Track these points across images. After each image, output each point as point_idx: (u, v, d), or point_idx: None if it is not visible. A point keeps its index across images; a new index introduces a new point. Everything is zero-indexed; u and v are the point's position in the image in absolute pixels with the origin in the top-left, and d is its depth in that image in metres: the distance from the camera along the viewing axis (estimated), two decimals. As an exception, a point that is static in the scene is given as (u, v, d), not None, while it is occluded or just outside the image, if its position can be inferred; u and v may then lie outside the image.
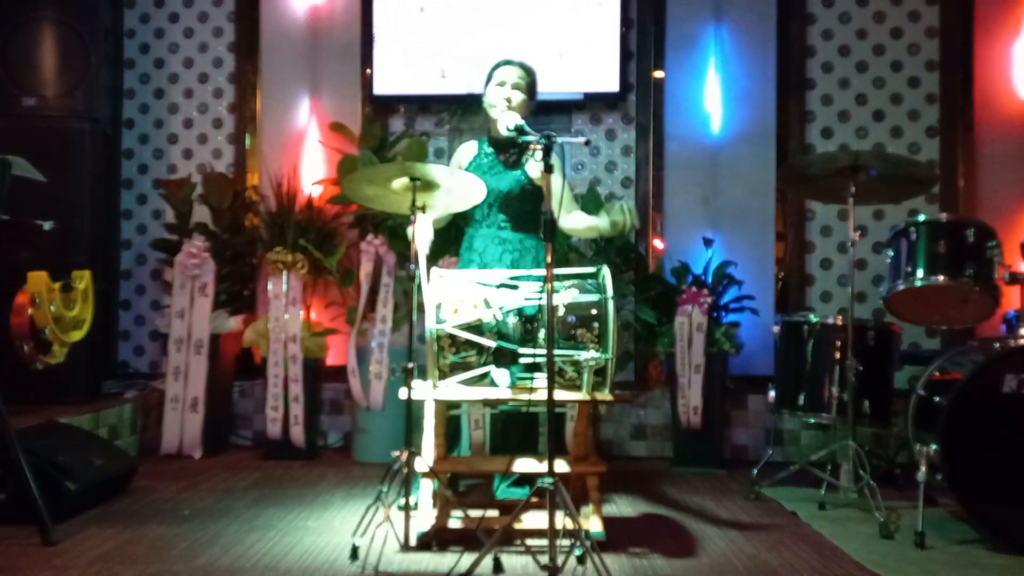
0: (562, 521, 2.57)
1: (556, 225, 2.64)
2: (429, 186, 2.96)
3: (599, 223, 3.31)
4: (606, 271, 3.02)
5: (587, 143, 2.99)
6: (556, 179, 3.41)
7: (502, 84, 3.43)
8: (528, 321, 2.98)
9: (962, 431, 3.03)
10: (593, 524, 2.95)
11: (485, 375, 2.97)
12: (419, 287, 2.99)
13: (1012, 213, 4.65)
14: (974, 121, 4.74)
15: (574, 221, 3.45)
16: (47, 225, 3.18)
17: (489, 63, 3.54)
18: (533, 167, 3.39)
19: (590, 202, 4.54)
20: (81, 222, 4.37)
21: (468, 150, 3.57)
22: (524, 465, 3.01)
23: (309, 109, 4.99)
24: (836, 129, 4.85)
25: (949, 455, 3.02)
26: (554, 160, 3.27)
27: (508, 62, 3.49)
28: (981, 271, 3.38)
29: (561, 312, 2.95)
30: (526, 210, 3.44)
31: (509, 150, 3.49)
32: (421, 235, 3.03)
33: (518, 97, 3.42)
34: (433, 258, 3.47)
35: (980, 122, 4.74)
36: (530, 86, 3.47)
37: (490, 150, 3.51)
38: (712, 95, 4.84)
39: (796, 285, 4.84)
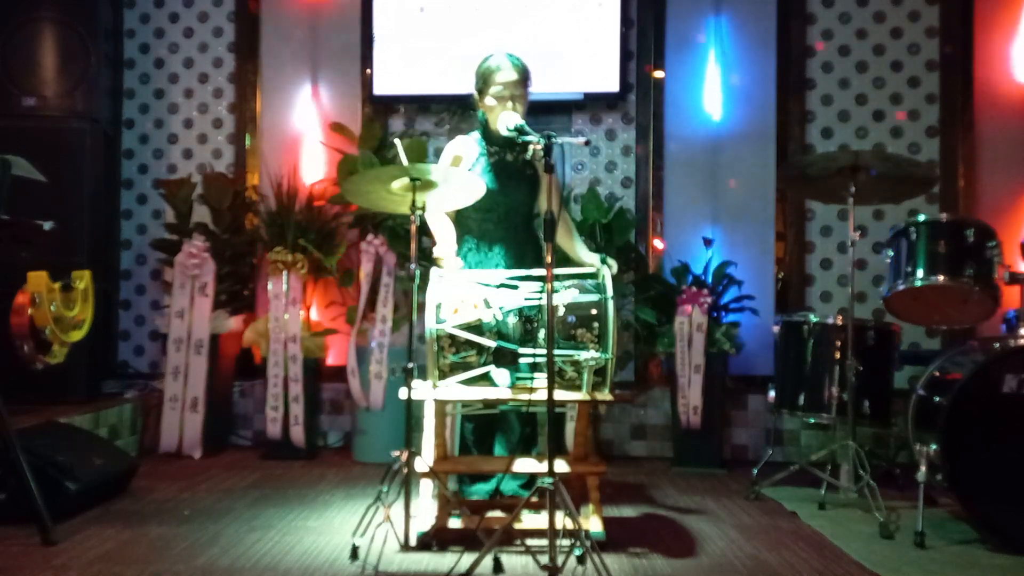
0: (562, 521, 2.58)
1: (556, 225, 2.62)
2: (428, 185, 2.96)
3: (578, 251, 3.36)
4: (606, 271, 3.02)
5: (587, 143, 2.98)
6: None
7: (503, 93, 3.26)
8: (528, 321, 2.97)
9: (962, 431, 3.03)
10: (593, 524, 2.95)
11: (485, 375, 2.97)
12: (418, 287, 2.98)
13: (1012, 213, 4.64)
14: (974, 121, 4.75)
15: (561, 232, 3.35)
16: (47, 225, 3.18)
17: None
18: (506, 116, 3.19)
19: (590, 203, 4.55)
20: (81, 222, 4.37)
21: (468, 147, 3.40)
22: (524, 465, 3.01)
23: (309, 109, 4.99)
24: (836, 129, 4.85)
25: (949, 455, 3.02)
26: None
27: (502, 66, 3.29)
28: (981, 271, 3.38)
29: (561, 312, 2.95)
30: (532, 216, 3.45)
31: (514, 148, 3.36)
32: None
33: (522, 105, 3.28)
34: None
35: (980, 122, 4.75)
36: (527, 81, 3.32)
37: (493, 149, 3.37)
38: (712, 95, 4.84)
39: (796, 285, 4.84)
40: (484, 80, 3.32)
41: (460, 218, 3.38)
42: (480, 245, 3.37)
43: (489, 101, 3.30)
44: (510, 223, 3.37)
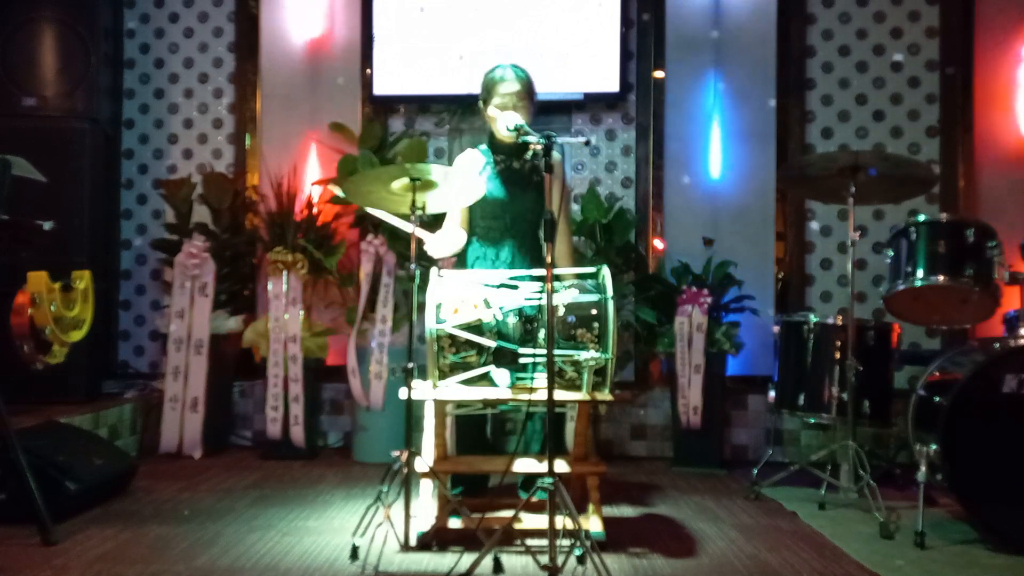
0: (562, 521, 2.58)
1: (556, 225, 2.62)
2: (428, 185, 2.96)
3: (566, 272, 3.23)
4: (606, 271, 3.02)
5: (587, 143, 3.00)
6: (555, 188, 3.35)
7: (506, 103, 3.30)
8: (528, 321, 2.97)
9: (962, 431, 3.03)
10: (593, 524, 2.95)
11: (485, 375, 2.97)
12: (419, 287, 2.98)
13: (1012, 213, 4.64)
14: (974, 121, 4.75)
15: (560, 248, 3.35)
16: (47, 225, 3.18)
17: (489, 63, 3.47)
18: (505, 116, 3.22)
19: (590, 203, 4.55)
20: (81, 222, 4.36)
21: (474, 159, 3.43)
22: (524, 465, 3.01)
23: (309, 109, 4.99)
24: (836, 129, 4.85)
25: (949, 455, 3.02)
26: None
27: (505, 77, 3.34)
28: (981, 271, 3.38)
29: (561, 312, 2.95)
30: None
31: (520, 156, 3.40)
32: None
33: (526, 115, 3.30)
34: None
35: (980, 122, 4.74)
36: (531, 93, 3.37)
37: (500, 157, 3.41)
38: (712, 95, 4.84)
39: (796, 285, 4.84)
40: (488, 91, 3.38)
41: (469, 227, 3.43)
42: (487, 252, 3.40)
43: (492, 111, 3.36)
44: (517, 230, 3.39)
